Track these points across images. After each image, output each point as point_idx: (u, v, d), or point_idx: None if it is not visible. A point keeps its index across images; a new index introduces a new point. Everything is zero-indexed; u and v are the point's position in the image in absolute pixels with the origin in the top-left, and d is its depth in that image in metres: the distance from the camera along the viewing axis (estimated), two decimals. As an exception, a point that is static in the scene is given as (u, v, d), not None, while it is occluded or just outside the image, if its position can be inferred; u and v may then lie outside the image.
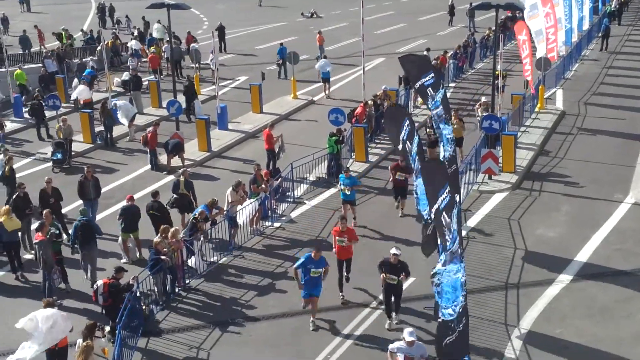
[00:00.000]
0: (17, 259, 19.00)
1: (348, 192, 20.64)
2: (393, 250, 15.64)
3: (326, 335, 15.86)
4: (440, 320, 12.82)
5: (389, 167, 21.76)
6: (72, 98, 32.69)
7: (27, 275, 18.87)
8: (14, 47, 42.97)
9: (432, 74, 17.01)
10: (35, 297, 17.31)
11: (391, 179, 21.52)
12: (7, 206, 19.13)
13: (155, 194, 20.09)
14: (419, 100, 31.98)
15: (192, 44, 41.19)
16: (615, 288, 17.28)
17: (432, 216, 13.32)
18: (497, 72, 28.42)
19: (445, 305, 12.68)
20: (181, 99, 30.56)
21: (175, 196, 21.01)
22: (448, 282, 12.55)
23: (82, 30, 45.66)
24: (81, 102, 31.82)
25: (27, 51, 42.49)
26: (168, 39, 35.45)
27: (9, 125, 31.47)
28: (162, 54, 40.28)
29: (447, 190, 12.58)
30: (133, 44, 42.56)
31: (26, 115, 31.96)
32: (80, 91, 31.89)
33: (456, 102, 32.19)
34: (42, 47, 43.95)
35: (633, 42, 45.55)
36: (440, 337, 12.99)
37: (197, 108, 31.18)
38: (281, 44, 39.80)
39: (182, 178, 21.30)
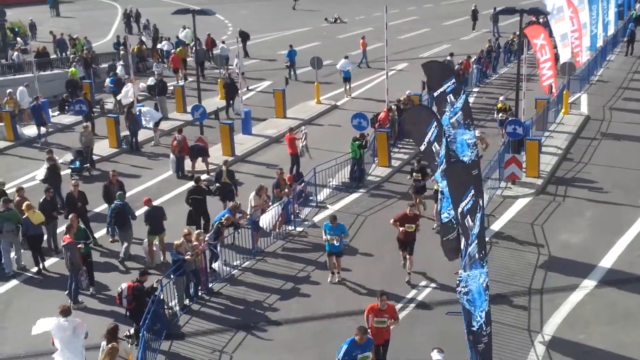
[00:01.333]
0: (39, 253, 19.62)
1: (336, 243, 17.95)
2: (435, 356, 12.99)
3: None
4: (473, 328, 12.79)
5: (393, 219, 18.32)
6: (124, 103, 33.22)
7: (52, 275, 19.19)
8: (50, 51, 44.06)
9: (454, 80, 17.00)
10: (60, 297, 17.60)
11: (399, 230, 18.15)
12: (28, 201, 19.82)
13: (197, 179, 21.50)
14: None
15: (221, 45, 41.93)
16: (640, 294, 17.18)
17: (457, 218, 13.28)
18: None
19: (478, 312, 12.65)
20: (208, 101, 30.80)
21: (218, 185, 22.10)
22: (475, 288, 12.52)
23: (85, 37, 46.35)
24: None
25: (64, 54, 43.64)
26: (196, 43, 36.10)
27: (37, 130, 31.93)
28: (191, 57, 40.97)
29: (471, 194, 12.57)
30: (164, 45, 43.70)
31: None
32: (126, 93, 32.49)
33: (479, 107, 32.13)
34: (56, 53, 44.32)
35: (660, 47, 45.11)
36: (474, 345, 12.98)
37: (238, 105, 31.89)
38: (290, 46, 40.42)
39: (224, 167, 22.50)
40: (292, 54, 39.70)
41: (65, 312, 14.31)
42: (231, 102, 33.02)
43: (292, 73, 39.30)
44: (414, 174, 21.78)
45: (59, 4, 67.68)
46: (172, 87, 35.35)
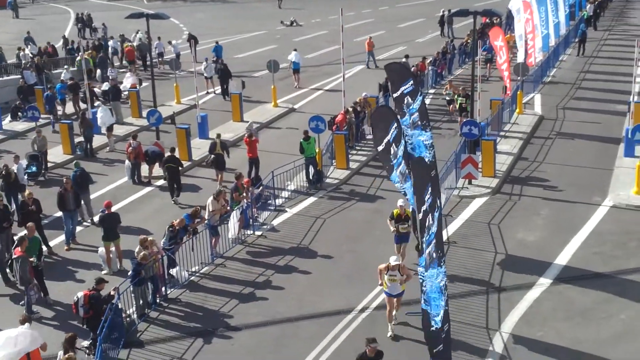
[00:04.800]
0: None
1: None
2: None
3: (309, 342, 15.85)
4: (433, 329, 12.83)
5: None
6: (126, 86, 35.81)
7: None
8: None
9: (412, 82, 17.09)
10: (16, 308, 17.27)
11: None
12: None
13: (172, 149, 24.20)
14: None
15: (173, 42, 44.17)
16: (595, 290, 17.44)
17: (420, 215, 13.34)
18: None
19: (436, 312, 12.70)
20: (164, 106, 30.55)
21: (212, 156, 24.39)
22: (432, 288, 12.60)
23: None
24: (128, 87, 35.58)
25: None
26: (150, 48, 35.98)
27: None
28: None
29: (429, 192, 12.64)
30: (112, 42, 45.27)
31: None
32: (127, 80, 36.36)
33: (435, 109, 32.39)
34: None
35: (609, 47, 46.02)
36: (431, 347, 13.02)
37: (232, 88, 35.12)
38: (216, 42, 42.82)
39: (217, 140, 24.82)
40: (218, 49, 41.73)
41: (24, 322, 14.02)
42: (225, 86, 35.80)
43: (218, 68, 39.58)
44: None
45: (19, 8, 68.02)
46: (126, 93, 34.94)
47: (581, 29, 44.58)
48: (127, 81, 36.71)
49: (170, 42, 44.72)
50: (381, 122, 16.69)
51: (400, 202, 17.68)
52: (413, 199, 14.63)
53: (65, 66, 39.47)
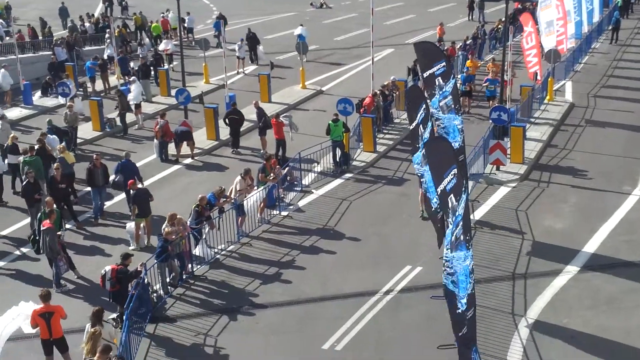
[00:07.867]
0: (72, 191, 21.76)
1: None
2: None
3: (333, 322, 15.90)
4: (459, 311, 12.78)
5: None
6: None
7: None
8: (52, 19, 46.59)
9: (444, 63, 16.90)
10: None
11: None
12: (62, 144, 23.40)
13: (234, 103, 26.55)
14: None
15: (188, 16, 45.30)
16: (623, 279, 17.27)
17: (438, 196, 13.29)
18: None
19: (462, 294, 12.64)
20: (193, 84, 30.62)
21: (261, 125, 25.81)
22: (460, 270, 12.53)
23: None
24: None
25: (64, 22, 46.53)
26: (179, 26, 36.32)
27: (19, 112, 31.67)
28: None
29: (452, 172, 12.52)
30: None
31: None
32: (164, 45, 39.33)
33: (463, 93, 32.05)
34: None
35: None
36: (456, 329, 12.99)
37: (261, 54, 38.60)
38: (217, 18, 43.66)
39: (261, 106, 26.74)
40: (217, 24, 42.04)
41: (44, 298, 14.13)
42: (254, 52, 38.80)
43: (219, 42, 39.90)
44: None
45: None
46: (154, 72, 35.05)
47: (615, 17, 43.91)
48: (165, 45, 39.04)
49: (188, 13, 45.37)
50: (414, 101, 16.63)
51: None
52: (432, 182, 14.52)
53: (108, 40, 39.48)
